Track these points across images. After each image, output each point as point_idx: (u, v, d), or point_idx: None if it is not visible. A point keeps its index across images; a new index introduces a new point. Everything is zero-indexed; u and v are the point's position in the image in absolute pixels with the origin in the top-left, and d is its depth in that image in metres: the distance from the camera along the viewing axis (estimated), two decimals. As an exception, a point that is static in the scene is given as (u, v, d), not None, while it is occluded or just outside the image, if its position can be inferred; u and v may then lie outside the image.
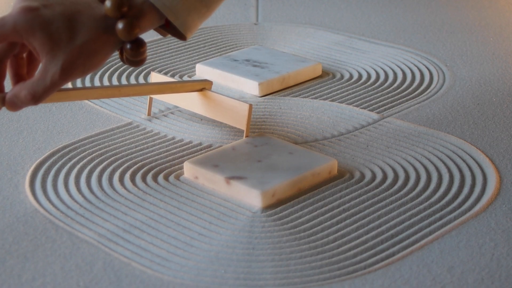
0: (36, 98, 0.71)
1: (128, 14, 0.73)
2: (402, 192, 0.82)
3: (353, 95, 1.04)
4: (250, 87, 1.04)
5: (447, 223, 0.77)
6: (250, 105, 0.88)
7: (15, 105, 0.72)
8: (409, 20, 1.32)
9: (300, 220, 0.77)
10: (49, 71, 0.71)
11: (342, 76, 1.10)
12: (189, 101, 0.93)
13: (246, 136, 0.89)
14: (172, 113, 0.98)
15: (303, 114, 0.99)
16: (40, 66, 0.71)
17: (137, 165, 0.86)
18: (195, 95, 0.92)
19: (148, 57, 1.15)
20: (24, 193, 0.81)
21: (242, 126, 0.89)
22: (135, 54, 0.75)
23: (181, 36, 0.79)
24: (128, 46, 0.74)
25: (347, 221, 0.77)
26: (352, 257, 0.72)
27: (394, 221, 0.77)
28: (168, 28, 0.78)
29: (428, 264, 0.71)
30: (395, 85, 1.07)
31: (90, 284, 0.68)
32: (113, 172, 0.85)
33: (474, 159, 0.88)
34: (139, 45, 0.74)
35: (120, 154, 0.88)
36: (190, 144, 0.91)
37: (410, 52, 1.18)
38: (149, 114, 0.97)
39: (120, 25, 0.73)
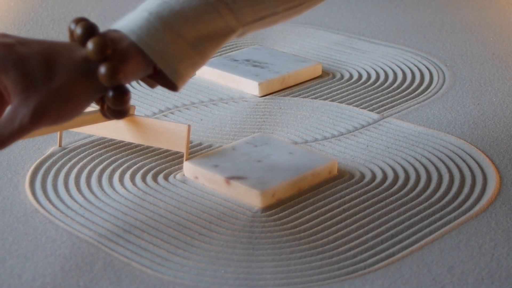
0: (2, 142, 0.65)
1: (112, 57, 0.66)
2: (402, 192, 0.82)
3: (353, 95, 1.04)
4: (250, 87, 1.04)
5: (447, 223, 0.77)
6: (189, 126, 0.83)
7: None
8: (409, 20, 1.32)
9: (300, 220, 0.77)
10: (19, 113, 0.64)
11: (342, 76, 1.10)
12: (115, 129, 0.87)
13: (186, 160, 0.84)
14: (172, 113, 0.98)
15: (303, 114, 0.99)
16: (9, 107, 0.65)
17: (137, 165, 0.86)
18: (120, 122, 0.86)
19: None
20: (24, 193, 0.81)
21: (181, 148, 0.84)
22: (117, 103, 0.67)
23: (172, 86, 0.71)
24: (110, 93, 0.67)
25: (347, 221, 0.77)
26: (352, 257, 0.72)
27: (394, 221, 0.77)
28: (156, 76, 0.71)
29: (428, 264, 0.71)
30: (395, 85, 1.07)
31: (90, 284, 0.68)
32: (113, 172, 0.85)
33: (474, 159, 0.88)
34: (122, 92, 0.67)
35: (120, 154, 0.88)
36: (190, 144, 0.91)
37: (410, 52, 1.18)
38: (60, 145, 0.89)
39: (102, 69, 0.66)
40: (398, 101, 1.02)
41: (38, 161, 0.87)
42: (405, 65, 1.14)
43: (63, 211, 0.78)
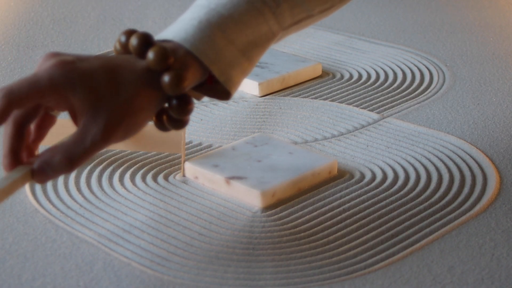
0: (73, 163, 0.62)
1: (174, 66, 0.65)
2: (402, 192, 0.82)
3: (353, 95, 1.04)
4: (250, 87, 1.04)
5: (447, 223, 0.77)
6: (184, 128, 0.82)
7: (45, 174, 0.63)
8: (409, 20, 1.32)
9: (300, 220, 0.77)
10: (89, 131, 0.62)
11: (342, 76, 1.10)
12: None
13: (184, 162, 0.83)
14: (172, 113, 0.98)
15: (303, 114, 0.99)
16: (79, 127, 0.63)
17: (137, 165, 0.86)
18: None
19: (148, 57, 1.15)
20: (24, 193, 0.81)
21: (178, 150, 0.84)
22: (182, 112, 0.66)
23: (222, 95, 0.70)
24: (174, 102, 0.66)
25: (347, 221, 0.77)
26: (352, 257, 0.72)
27: (394, 221, 0.77)
28: (207, 86, 0.70)
29: (428, 264, 0.71)
30: (395, 85, 1.07)
31: (90, 284, 0.68)
32: (113, 172, 0.85)
33: (474, 159, 0.88)
34: (186, 101, 0.66)
35: (120, 154, 0.88)
36: (190, 144, 0.91)
37: (410, 52, 1.18)
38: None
39: (166, 78, 0.64)
40: (398, 101, 1.02)
41: (38, 161, 0.87)
42: (405, 65, 1.14)
43: (63, 211, 0.78)
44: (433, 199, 0.81)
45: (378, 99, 1.03)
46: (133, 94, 0.64)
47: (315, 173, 0.83)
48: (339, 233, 0.75)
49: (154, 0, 1.40)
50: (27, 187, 0.82)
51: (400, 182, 0.84)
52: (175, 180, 0.83)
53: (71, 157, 0.62)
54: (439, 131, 0.94)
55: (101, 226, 0.76)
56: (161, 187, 0.82)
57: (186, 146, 0.90)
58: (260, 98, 1.03)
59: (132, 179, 0.83)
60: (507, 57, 1.16)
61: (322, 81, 1.08)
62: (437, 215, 0.78)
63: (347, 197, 0.81)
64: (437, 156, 0.88)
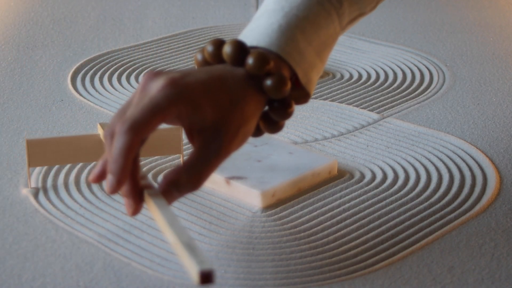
0: (200, 181, 0.62)
1: (272, 70, 0.65)
2: (402, 192, 0.82)
3: (353, 95, 1.04)
4: (250, 87, 1.04)
5: (447, 223, 0.77)
6: (180, 127, 0.82)
7: (172, 196, 0.63)
8: (409, 20, 1.32)
9: (300, 220, 0.77)
10: (211, 146, 0.62)
11: (342, 76, 1.10)
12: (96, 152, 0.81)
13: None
14: (172, 113, 0.98)
15: (303, 114, 0.99)
16: (199, 143, 0.63)
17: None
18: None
19: (148, 57, 1.15)
20: (24, 193, 0.81)
21: (178, 151, 0.83)
22: (284, 115, 0.67)
23: (300, 99, 0.69)
24: (276, 105, 0.67)
25: (347, 221, 0.77)
26: (352, 257, 0.72)
27: (394, 221, 0.77)
28: (298, 87, 0.69)
29: (428, 264, 0.71)
30: (395, 85, 1.07)
31: (90, 284, 0.68)
32: (113, 172, 0.85)
33: (474, 159, 0.88)
34: (289, 103, 0.67)
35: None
36: (190, 144, 0.90)
37: (410, 52, 1.18)
38: (30, 186, 0.82)
39: (269, 82, 0.65)
40: (398, 101, 1.02)
41: (38, 161, 0.87)
42: (405, 65, 1.13)
43: (63, 211, 0.78)
44: (433, 199, 0.81)
45: (378, 99, 1.03)
46: (243, 102, 0.64)
47: (315, 173, 0.83)
48: (339, 233, 0.75)
49: (154, 0, 1.40)
50: (26, 187, 0.82)
51: (400, 182, 0.84)
52: (175, 180, 0.83)
53: (198, 175, 0.62)
54: (439, 131, 0.94)
55: (101, 226, 0.76)
56: (161, 187, 0.82)
57: (185, 147, 0.90)
58: (260, 98, 1.03)
59: (132, 179, 0.83)
60: (507, 57, 1.16)
61: (322, 81, 1.08)
62: (437, 215, 0.78)
63: (347, 197, 0.81)
64: (437, 156, 0.88)
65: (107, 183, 0.61)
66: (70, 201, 0.80)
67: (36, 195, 0.81)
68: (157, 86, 0.62)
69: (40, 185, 0.82)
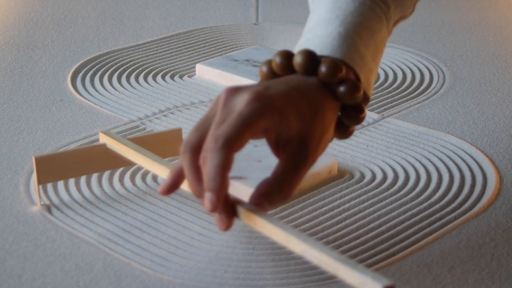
0: (291, 192, 0.63)
1: (344, 77, 0.67)
2: (402, 192, 0.82)
3: (353, 95, 1.04)
4: (250, 87, 1.04)
5: (447, 223, 0.77)
6: (181, 129, 0.83)
7: (263, 208, 0.63)
8: (409, 20, 1.32)
9: (300, 220, 0.77)
10: (299, 157, 0.63)
11: (342, 76, 1.10)
12: (106, 161, 0.80)
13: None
14: (172, 113, 0.98)
15: (303, 114, 0.98)
16: (287, 154, 0.63)
17: (137, 165, 0.86)
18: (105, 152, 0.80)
19: (148, 57, 1.15)
20: (24, 193, 0.81)
21: (179, 153, 0.83)
22: (357, 121, 0.68)
23: (357, 105, 0.69)
24: (349, 111, 0.68)
25: (347, 221, 0.77)
26: (352, 257, 0.71)
27: (394, 221, 0.77)
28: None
29: (428, 264, 0.71)
30: (395, 85, 1.07)
31: (90, 284, 0.68)
32: (113, 172, 0.85)
33: (474, 159, 0.88)
34: (361, 110, 0.68)
35: (120, 154, 0.88)
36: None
37: (410, 52, 1.18)
38: (40, 203, 0.79)
39: (343, 88, 0.66)
40: (398, 101, 1.02)
41: (38, 161, 0.87)
42: (405, 65, 1.14)
43: (63, 211, 0.78)
44: (433, 199, 0.81)
45: (378, 99, 1.03)
46: (323, 110, 0.65)
47: (315, 173, 0.83)
48: (339, 233, 0.75)
49: (154, 0, 1.40)
50: (26, 187, 0.82)
51: (400, 182, 0.84)
52: (175, 180, 0.83)
53: (289, 186, 0.63)
54: (439, 131, 0.94)
55: (101, 226, 0.76)
56: (161, 187, 0.82)
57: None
58: (260, 98, 1.03)
59: (132, 179, 0.83)
60: (507, 57, 1.16)
61: (322, 81, 1.08)
62: (437, 215, 0.78)
63: (347, 197, 0.81)
64: (437, 156, 0.88)
65: (206, 201, 0.62)
66: (70, 201, 0.80)
67: (37, 196, 0.81)
68: (242, 100, 0.62)
69: (40, 185, 0.82)
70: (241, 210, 0.64)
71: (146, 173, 0.84)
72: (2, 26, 1.27)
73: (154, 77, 1.09)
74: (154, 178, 0.84)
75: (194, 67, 1.11)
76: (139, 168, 0.85)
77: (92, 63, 1.13)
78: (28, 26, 1.27)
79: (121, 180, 0.83)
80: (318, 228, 0.76)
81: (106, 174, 0.84)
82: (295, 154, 0.63)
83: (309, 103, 0.65)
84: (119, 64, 1.12)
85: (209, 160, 0.61)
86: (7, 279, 0.68)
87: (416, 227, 0.76)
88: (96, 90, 1.05)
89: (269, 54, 1.12)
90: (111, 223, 0.76)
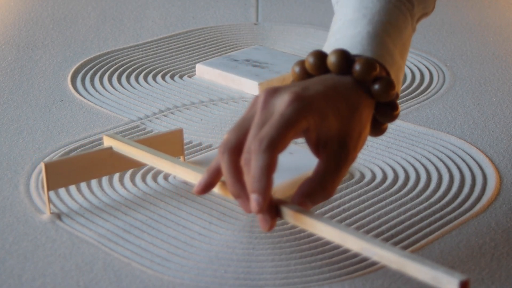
0: (333, 191, 0.64)
1: (378, 75, 0.67)
2: (402, 192, 0.82)
3: (353, 95, 1.04)
4: (250, 87, 1.04)
5: (447, 223, 0.77)
6: (181, 129, 0.83)
7: (306, 207, 0.64)
8: (409, 20, 1.32)
9: (300, 220, 0.77)
10: (339, 156, 0.64)
11: (342, 76, 1.10)
12: (108, 165, 0.80)
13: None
14: (172, 113, 0.98)
15: (303, 114, 0.98)
16: (327, 154, 0.64)
17: (144, 166, 0.86)
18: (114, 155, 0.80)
19: (148, 57, 1.15)
20: (24, 193, 0.81)
21: (179, 153, 0.84)
22: (391, 117, 0.69)
23: (392, 108, 0.70)
24: (384, 108, 0.69)
25: (347, 221, 0.77)
26: (352, 257, 0.71)
27: (394, 221, 0.77)
28: None
29: (428, 264, 0.71)
30: (395, 85, 1.07)
31: (90, 284, 0.68)
32: (113, 172, 0.85)
33: (474, 159, 0.88)
34: (396, 107, 0.69)
35: (120, 154, 0.88)
36: (190, 144, 0.91)
37: (410, 52, 1.18)
38: (49, 211, 0.77)
39: (378, 86, 0.67)
40: (398, 101, 1.02)
41: (38, 161, 0.87)
42: (405, 65, 1.13)
43: (63, 211, 0.78)
44: (433, 199, 0.81)
45: (378, 99, 1.03)
46: (360, 108, 0.66)
47: (315, 173, 0.83)
48: (339, 233, 0.75)
49: (154, 0, 1.40)
50: (26, 187, 0.82)
51: (400, 182, 0.84)
52: (175, 180, 0.83)
53: (331, 185, 0.63)
54: (439, 131, 0.94)
55: (101, 226, 0.76)
56: (161, 187, 0.82)
57: (186, 146, 0.90)
58: (260, 98, 1.03)
59: (132, 179, 0.83)
60: (507, 57, 1.16)
61: (322, 81, 1.08)
62: (437, 215, 0.78)
63: (347, 197, 0.81)
64: (437, 156, 0.88)
65: (252, 202, 0.62)
66: (70, 201, 0.80)
67: (37, 196, 0.81)
68: (283, 101, 0.63)
69: (40, 185, 0.82)
70: (285, 211, 0.64)
71: (146, 173, 0.85)
72: (2, 26, 1.27)
73: (154, 77, 1.09)
74: (154, 178, 0.84)
75: (194, 67, 1.11)
76: (139, 169, 0.85)
77: (92, 63, 1.13)
78: (28, 26, 1.27)
79: (121, 180, 0.83)
80: (318, 228, 0.76)
81: (106, 174, 0.84)
82: (336, 153, 0.64)
83: (346, 102, 0.65)
84: (119, 64, 1.12)
85: (254, 162, 0.62)
86: (7, 279, 0.68)
87: (416, 227, 0.76)
88: (96, 90, 1.05)
89: (269, 54, 1.12)
90: (111, 223, 0.76)
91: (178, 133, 0.83)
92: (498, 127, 0.95)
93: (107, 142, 0.79)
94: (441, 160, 0.88)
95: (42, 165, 0.75)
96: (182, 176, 0.73)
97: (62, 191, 0.81)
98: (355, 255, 0.72)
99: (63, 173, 0.77)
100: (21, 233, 0.75)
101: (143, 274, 0.69)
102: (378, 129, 0.70)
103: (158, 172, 0.85)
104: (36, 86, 1.05)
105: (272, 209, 0.64)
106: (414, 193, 0.82)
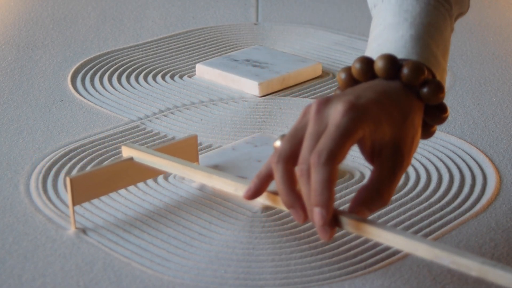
0: (391, 195, 0.64)
1: (427, 78, 0.67)
2: (402, 192, 0.82)
3: (353, 95, 1.04)
4: (250, 87, 1.04)
5: (447, 223, 0.77)
6: (195, 136, 0.82)
7: (363, 215, 0.64)
8: (409, 20, 1.32)
9: (300, 220, 0.77)
10: (394, 160, 0.63)
11: (342, 76, 1.10)
12: (127, 177, 0.79)
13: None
14: (172, 113, 0.98)
15: (303, 114, 0.98)
16: (382, 161, 0.64)
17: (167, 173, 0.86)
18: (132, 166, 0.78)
19: (148, 57, 1.15)
20: (24, 193, 0.81)
21: (194, 160, 0.82)
22: (440, 119, 0.69)
23: (442, 110, 0.70)
24: (433, 111, 0.69)
25: (347, 221, 0.77)
26: (352, 257, 0.71)
27: (394, 221, 0.77)
28: None
29: (428, 264, 0.71)
30: (395, 85, 1.07)
31: (90, 284, 0.68)
32: (113, 172, 0.85)
33: (474, 159, 0.88)
34: (445, 109, 0.69)
35: (120, 154, 0.88)
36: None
37: (410, 52, 1.18)
38: (74, 226, 0.75)
39: (427, 89, 0.66)
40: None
41: (38, 161, 0.87)
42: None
43: (63, 211, 0.78)
44: (433, 199, 0.81)
45: (378, 99, 1.03)
46: (412, 112, 0.65)
47: (315, 173, 0.82)
48: (339, 233, 0.75)
49: (154, 0, 1.40)
50: (27, 187, 0.82)
51: (400, 182, 0.83)
52: (175, 180, 0.83)
53: (388, 191, 0.63)
54: (439, 131, 0.94)
55: (101, 226, 0.76)
56: (161, 187, 0.82)
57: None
58: (260, 98, 1.03)
59: (132, 179, 0.83)
60: (507, 57, 1.16)
61: (322, 81, 1.08)
62: (437, 215, 0.78)
63: (347, 197, 0.81)
64: (437, 156, 0.88)
65: (316, 215, 0.62)
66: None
67: (37, 196, 0.81)
68: (337, 111, 0.62)
69: (40, 185, 0.82)
70: (344, 220, 0.64)
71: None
72: (2, 26, 1.27)
73: (154, 77, 1.09)
74: (154, 178, 0.84)
75: (194, 67, 1.11)
76: (139, 168, 0.85)
77: (92, 63, 1.13)
78: (28, 26, 1.27)
79: (121, 180, 0.83)
80: (318, 228, 0.76)
81: (106, 174, 0.84)
82: (390, 160, 0.63)
83: (398, 107, 0.65)
84: (119, 64, 1.12)
85: (314, 175, 0.61)
86: (7, 279, 0.68)
87: (416, 227, 0.76)
88: (96, 90, 1.05)
89: (269, 54, 1.12)
90: (111, 223, 0.76)
91: (193, 140, 0.82)
92: (498, 127, 0.95)
93: (126, 152, 0.78)
94: (441, 160, 0.88)
95: (67, 180, 0.73)
96: (218, 186, 0.72)
97: (62, 190, 0.81)
98: (355, 255, 0.72)
99: (87, 187, 0.75)
100: (21, 233, 0.75)
101: (143, 274, 0.69)
102: (427, 131, 0.70)
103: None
104: (36, 86, 1.05)
105: (332, 218, 0.64)
106: (414, 193, 0.82)
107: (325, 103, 0.64)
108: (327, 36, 1.24)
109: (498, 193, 0.82)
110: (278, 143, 0.70)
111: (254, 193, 0.67)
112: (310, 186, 0.62)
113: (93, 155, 0.88)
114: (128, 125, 0.95)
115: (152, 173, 0.78)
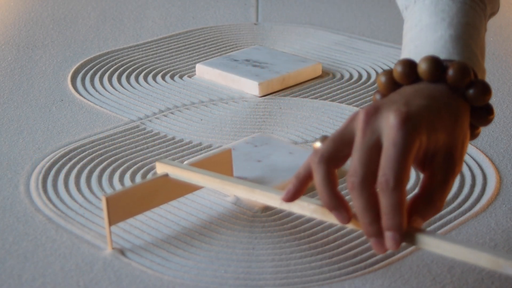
0: (444, 201, 0.62)
1: (472, 79, 0.66)
2: (402, 192, 0.82)
3: (353, 95, 1.04)
4: (250, 87, 1.04)
5: (447, 223, 0.77)
6: (230, 150, 0.80)
7: (417, 224, 0.62)
8: (409, 20, 1.32)
9: (300, 220, 0.77)
10: (446, 166, 0.62)
11: (342, 76, 1.10)
12: (166, 192, 0.77)
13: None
14: (172, 113, 0.98)
15: (303, 114, 0.99)
16: (434, 168, 0.62)
17: (137, 165, 0.86)
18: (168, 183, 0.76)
19: (148, 57, 1.15)
20: (24, 193, 0.81)
21: (229, 173, 0.80)
22: (487, 121, 0.67)
23: (488, 112, 0.68)
24: (480, 112, 0.67)
25: (347, 221, 0.77)
26: (352, 257, 0.72)
27: (394, 221, 0.77)
28: None
29: (428, 264, 0.71)
30: (395, 85, 1.07)
31: (90, 284, 0.68)
32: (113, 172, 0.85)
33: (474, 159, 0.88)
34: (491, 111, 0.67)
35: (120, 154, 0.88)
36: (190, 144, 0.91)
37: (410, 52, 1.18)
38: (111, 247, 0.73)
39: (473, 91, 0.65)
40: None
41: (38, 161, 0.87)
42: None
43: (63, 211, 0.78)
44: (433, 199, 0.80)
45: (378, 99, 1.03)
46: (461, 116, 0.64)
47: (315, 173, 0.82)
48: (339, 233, 0.75)
49: (154, 0, 1.40)
50: (27, 187, 0.82)
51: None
52: (175, 180, 0.83)
53: (441, 198, 0.62)
54: (439, 131, 0.94)
55: (101, 226, 0.76)
56: (161, 187, 0.82)
57: (186, 146, 0.90)
58: (260, 98, 1.03)
59: (132, 179, 0.83)
60: (507, 57, 1.16)
61: (322, 81, 1.08)
62: (437, 215, 0.78)
63: (347, 197, 0.80)
64: (437, 156, 0.88)
65: (389, 240, 0.60)
66: (70, 201, 0.80)
67: (37, 196, 0.81)
68: (391, 126, 0.60)
69: (40, 185, 0.82)
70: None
71: (146, 173, 0.85)
72: (2, 26, 1.27)
73: (154, 77, 1.09)
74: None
75: (194, 67, 1.11)
76: (139, 168, 0.85)
77: (92, 63, 1.13)
78: (28, 26, 1.27)
79: (121, 180, 0.83)
80: (318, 228, 0.76)
81: (106, 174, 0.84)
82: (443, 166, 0.62)
83: (448, 111, 0.63)
84: (119, 64, 1.12)
85: (385, 200, 0.60)
86: (7, 279, 0.68)
87: (416, 227, 0.76)
88: (96, 90, 1.05)
89: (269, 54, 1.12)
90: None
91: (227, 154, 0.80)
92: (498, 127, 0.95)
93: (161, 168, 0.76)
94: (441, 160, 0.88)
95: (103, 199, 0.71)
96: (262, 200, 0.69)
97: (62, 190, 0.81)
98: (355, 255, 0.72)
99: (123, 205, 0.73)
100: (21, 233, 0.75)
101: (143, 274, 0.69)
102: (472, 133, 0.68)
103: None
104: (36, 86, 1.05)
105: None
106: (414, 193, 0.81)
107: (374, 113, 0.62)
108: (327, 36, 1.24)
109: (498, 193, 0.82)
110: (318, 144, 0.69)
111: (294, 195, 0.65)
112: (363, 200, 0.61)
113: (93, 155, 0.88)
114: (128, 125, 0.95)
115: (187, 188, 0.77)
